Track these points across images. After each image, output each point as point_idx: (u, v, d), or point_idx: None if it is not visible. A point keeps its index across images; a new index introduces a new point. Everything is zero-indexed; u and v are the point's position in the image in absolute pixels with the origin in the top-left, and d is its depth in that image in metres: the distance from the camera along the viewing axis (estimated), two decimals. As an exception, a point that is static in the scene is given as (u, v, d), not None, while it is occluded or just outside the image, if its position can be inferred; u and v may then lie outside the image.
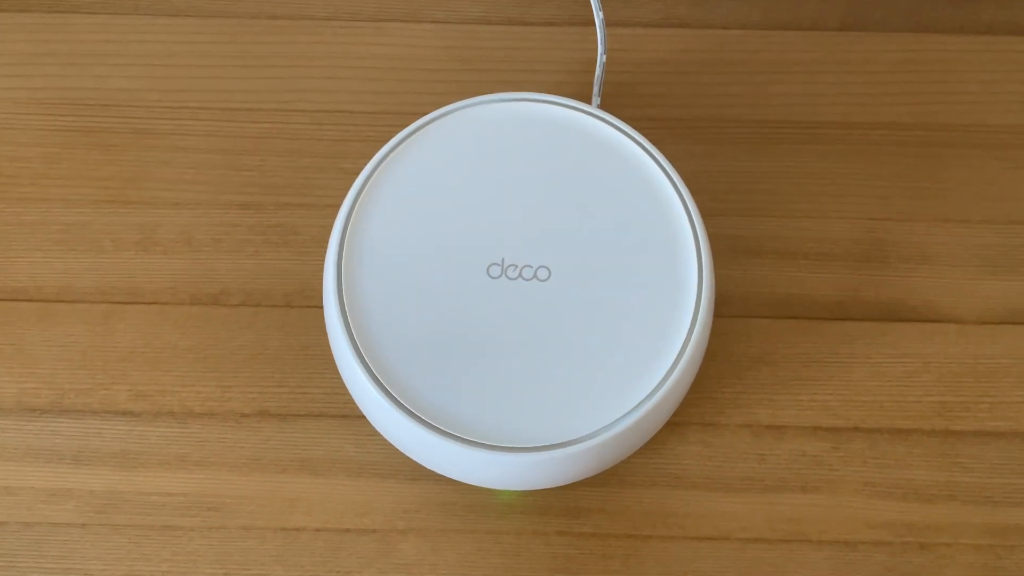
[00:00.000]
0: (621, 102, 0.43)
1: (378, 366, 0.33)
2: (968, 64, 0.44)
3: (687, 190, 0.37)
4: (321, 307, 0.41)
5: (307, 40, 0.45)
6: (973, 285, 0.41)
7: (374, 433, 0.39)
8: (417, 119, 0.38)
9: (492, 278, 0.34)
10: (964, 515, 0.39)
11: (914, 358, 0.40)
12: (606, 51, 0.41)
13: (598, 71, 0.41)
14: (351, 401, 0.39)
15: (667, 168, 0.37)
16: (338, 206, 0.41)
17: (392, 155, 0.37)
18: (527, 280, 0.34)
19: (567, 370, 0.34)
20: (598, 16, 0.41)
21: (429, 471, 0.39)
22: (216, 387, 0.40)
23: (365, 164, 0.37)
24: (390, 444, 0.38)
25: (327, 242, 0.41)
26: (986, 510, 0.39)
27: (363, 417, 0.39)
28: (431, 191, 0.36)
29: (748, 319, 0.41)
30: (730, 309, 0.41)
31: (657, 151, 0.37)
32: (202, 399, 0.40)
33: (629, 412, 0.33)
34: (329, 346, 0.37)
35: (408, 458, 0.39)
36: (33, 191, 0.43)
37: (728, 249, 0.41)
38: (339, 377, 0.40)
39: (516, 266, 0.34)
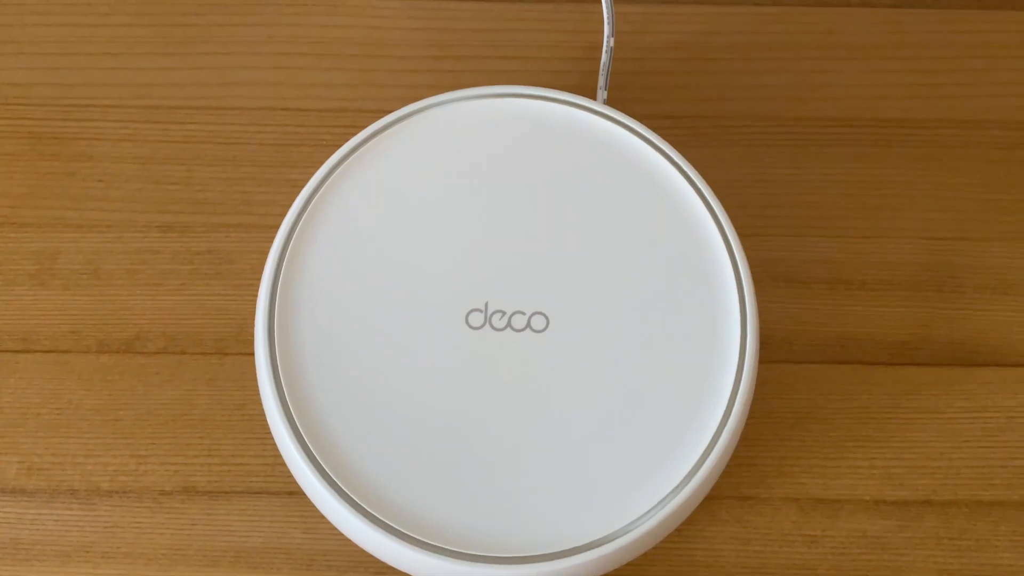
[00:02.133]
0: (632, 96, 0.37)
1: (326, 455, 0.26)
2: (1055, 47, 0.37)
3: (721, 207, 0.29)
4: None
5: (246, 22, 0.38)
6: (1067, 319, 0.34)
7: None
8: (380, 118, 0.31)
9: (473, 328, 0.27)
10: (1063, 613, 0.31)
11: (996, 412, 0.34)
12: (614, 33, 0.34)
13: (605, 58, 0.34)
14: (299, 474, 0.32)
15: (694, 179, 0.30)
16: (284, 227, 0.34)
17: (345, 165, 0.29)
18: (518, 331, 0.27)
19: (573, 453, 0.26)
20: (604, -11, 0.33)
21: (397, 564, 0.31)
22: (130, 457, 0.33)
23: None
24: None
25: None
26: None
27: (314, 494, 0.32)
28: (394, 212, 0.29)
29: (792, 365, 0.34)
30: (771, 354, 0.34)
31: (681, 157, 0.30)
32: (112, 473, 0.33)
33: (654, 508, 0.25)
34: (261, 412, 0.29)
35: (370, 547, 0.31)
36: (-97, 211, 0.35)
37: (767, 278, 0.35)
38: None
39: (503, 312, 0.27)
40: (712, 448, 0.26)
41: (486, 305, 0.27)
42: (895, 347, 0.34)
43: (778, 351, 0.34)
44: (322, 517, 0.31)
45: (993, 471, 0.33)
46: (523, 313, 0.27)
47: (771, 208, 0.36)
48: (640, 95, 0.37)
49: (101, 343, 0.34)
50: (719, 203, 0.29)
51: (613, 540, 0.25)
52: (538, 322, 0.27)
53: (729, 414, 0.26)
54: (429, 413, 0.26)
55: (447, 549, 0.25)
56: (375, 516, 0.25)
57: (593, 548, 0.25)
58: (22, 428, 0.33)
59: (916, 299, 0.35)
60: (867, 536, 0.33)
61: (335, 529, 0.32)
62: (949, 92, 0.37)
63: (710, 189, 0.30)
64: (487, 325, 0.27)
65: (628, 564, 0.31)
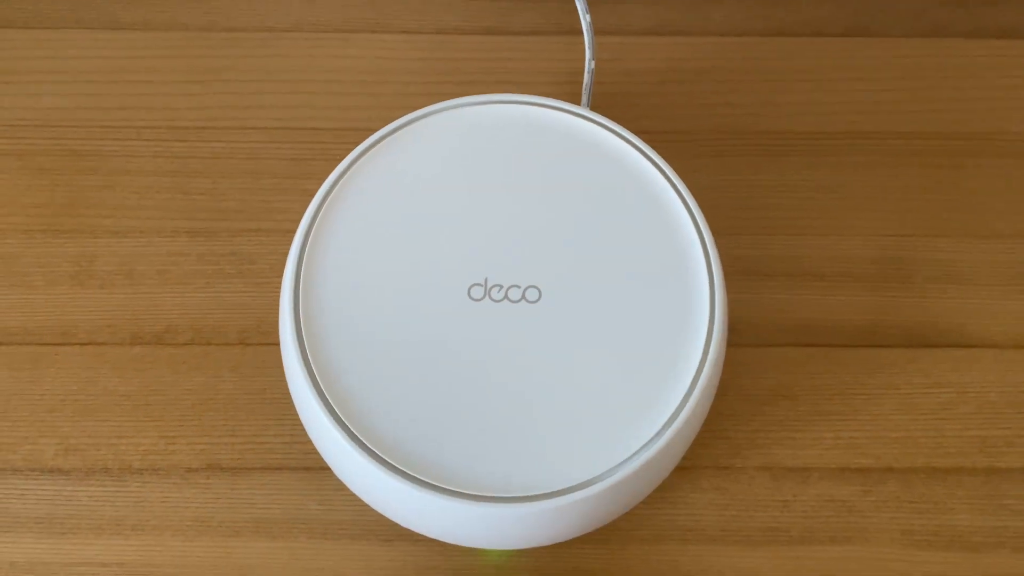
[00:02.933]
0: (612, 114, 0.39)
1: (344, 409, 0.29)
2: (984, 69, 0.41)
3: (693, 199, 0.33)
4: (280, 345, 0.36)
5: (266, 53, 0.41)
6: (1007, 305, 0.38)
7: (340, 488, 0.34)
8: (387, 133, 0.34)
9: (474, 300, 0.30)
10: (1018, 566, 0.34)
11: (948, 387, 0.37)
12: (595, 56, 0.38)
13: (587, 78, 0.38)
14: (314, 452, 0.35)
15: (670, 175, 0.33)
16: (300, 232, 0.37)
17: (355, 167, 0.33)
18: (514, 302, 0.30)
19: (561, 407, 0.29)
20: (585, 20, 0.38)
21: (406, 530, 0.34)
22: (159, 438, 0.35)
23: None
24: (359, 500, 0.33)
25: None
26: (1040, 559, 0.34)
27: (328, 470, 0.34)
28: (401, 205, 0.32)
29: (761, 348, 0.37)
30: (741, 338, 0.37)
31: (658, 156, 0.33)
32: (142, 452, 0.35)
33: (633, 455, 0.28)
34: (289, 390, 0.32)
35: (381, 517, 0.34)
36: (-46, 221, 0.38)
37: (736, 271, 0.38)
38: (300, 425, 0.35)
39: (501, 286, 0.30)
40: (685, 403, 0.29)
41: (486, 280, 0.30)
42: (854, 331, 0.37)
43: (748, 336, 0.37)
44: (338, 488, 0.34)
45: (948, 440, 0.36)
46: (519, 287, 0.30)
47: (737, 211, 0.39)
48: (619, 113, 0.40)
49: (134, 336, 0.37)
50: (690, 194, 0.32)
51: (599, 482, 0.28)
52: (532, 294, 0.30)
53: (702, 368, 0.29)
54: (436, 373, 0.29)
55: (446, 489, 0.27)
56: (388, 462, 0.28)
57: (581, 489, 0.28)
58: (60, 413, 0.36)
59: (871, 289, 0.38)
60: (835, 500, 0.35)
61: (349, 500, 0.34)
62: (893, 108, 0.41)
63: (682, 182, 0.33)
64: (487, 297, 0.30)
65: (613, 526, 0.34)
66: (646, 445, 0.29)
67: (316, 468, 0.35)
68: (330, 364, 0.29)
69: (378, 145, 0.32)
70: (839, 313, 0.38)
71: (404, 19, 0.42)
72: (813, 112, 0.41)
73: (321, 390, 0.29)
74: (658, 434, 0.29)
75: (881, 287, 0.38)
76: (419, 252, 0.31)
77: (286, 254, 0.37)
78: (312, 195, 0.36)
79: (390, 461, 0.28)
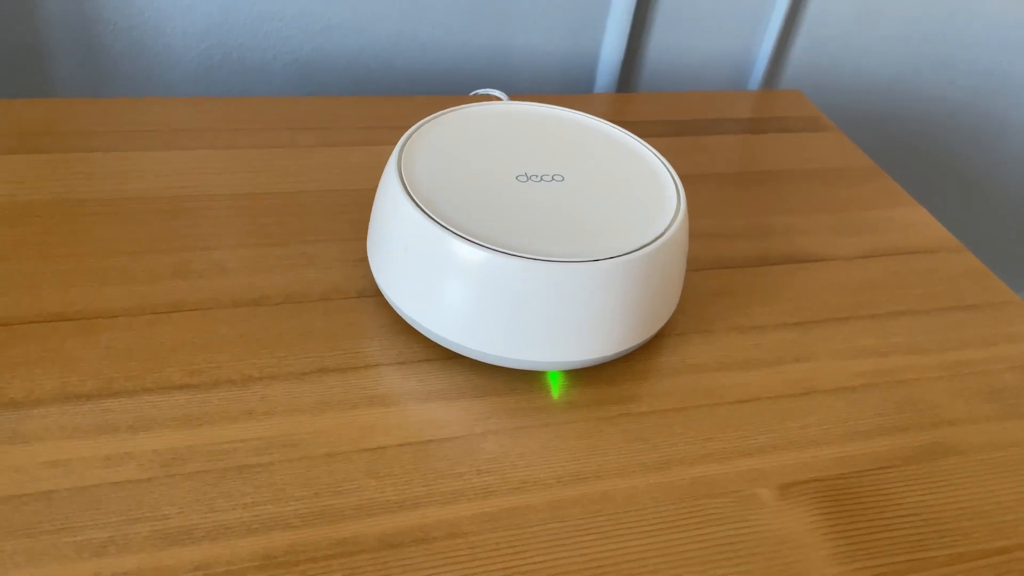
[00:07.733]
0: None
1: (438, 212, 0.40)
2: (776, 149, 0.65)
3: (650, 146, 0.49)
4: (358, 297, 0.46)
5: (301, 156, 0.56)
6: (835, 240, 0.56)
7: (432, 371, 0.42)
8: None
9: (520, 183, 0.44)
10: (917, 360, 0.48)
11: (823, 280, 0.53)
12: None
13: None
14: (405, 351, 0.43)
15: (632, 135, 0.49)
16: (352, 240, 0.49)
17: (424, 126, 0.46)
18: (547, 183, 0.44)
19: (594, 220, 0.42)
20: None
21: (494, 387, 0.42)
22: (271, 357, 0.42)
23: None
24: (453, 375, 0.42)
25: (349, 261, 0.48)
26: (930, 356, 0.48)
27: (421, 362, 0.43)
28: (464, 138, 0.46)
29: (703, 271, 0.52)
30: (689, 265, 0.51)
31: (616, 126, 0.50)
32: (259, 367, 0.41)
33: (656, 238, 0.41)
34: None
35: (471, 379, 0.42)
36: (65, 250, 0.46)
37: None
38: (389, 336, 0.43)
39: (537, 175, 0.44)
40: (674, 220, 0.43)
41: (526, 172, 0.44)
42: (755, 258, 0.53)
43: (693, 264, 0.52)
44: (430, 372, 0.42)
45: (837, 303, 0.50)
46: (548, 175, 0.44)
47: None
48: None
49: (235, 302, 0.44)
50: (648, 144, 0.49)
51: (632, 253, 0.40)
52: (558, 179, 0.44)
53: (679, 203, 0.44)
54: (501, 212, 0.41)
55: (513, 254, 0.38)
56: (480, 243, 0.39)
57: (628, 254, 0.40)
58: (181, 351, 0.41)
59: (755, 240, 0.55)
60: (786, 340, 0.47)
61: (442, 378, 0.42)
62: (719, 165, 0.63)
63: (643, 140, 0.50)
64: (529, 181, 0.44)
65: (646, 368, 0.44)
66: (661, 233, 0.42)
67: (409, 362, 0.42)
68: (427, 194, 0.41)
69: (439, 118, 0.47)
70: (743, 252, 0.54)
71: (391, 135, 0.59)
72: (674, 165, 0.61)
73: (425, 211, 0.40)
74: (666, 229, 0.42)
75: (760, 238, 0.55)
76: (480, 159, 0.44)
77: (345, 251, 0.49)
78: (356, 222, 0.49)
79: (479, 241, 0.39)
